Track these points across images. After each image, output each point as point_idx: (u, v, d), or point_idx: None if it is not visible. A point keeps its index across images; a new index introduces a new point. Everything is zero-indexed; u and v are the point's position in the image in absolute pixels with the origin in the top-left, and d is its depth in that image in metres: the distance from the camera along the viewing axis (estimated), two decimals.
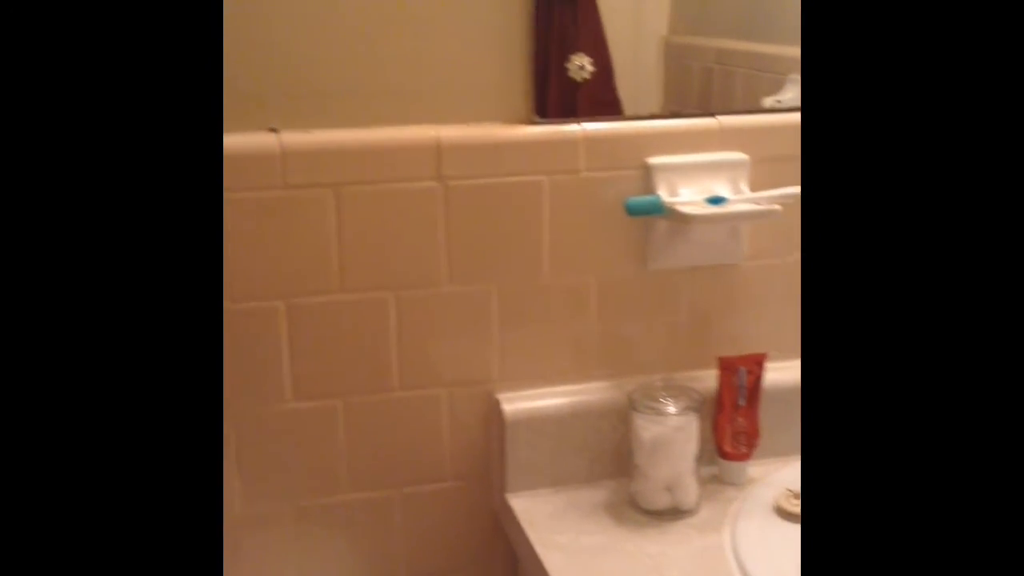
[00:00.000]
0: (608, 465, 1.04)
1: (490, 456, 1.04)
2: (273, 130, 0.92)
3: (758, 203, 0.98)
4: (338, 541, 1.03)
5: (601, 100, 1.00)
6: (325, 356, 0.97)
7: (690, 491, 0.98)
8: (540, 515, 0.98)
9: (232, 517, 0.99)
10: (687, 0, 1.08)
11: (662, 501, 0.98)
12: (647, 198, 0.98)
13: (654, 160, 0.99)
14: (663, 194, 0.99)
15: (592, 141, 0.98)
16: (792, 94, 1.05)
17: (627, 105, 1.01)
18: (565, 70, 0.98)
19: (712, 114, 1.01)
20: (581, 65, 0.97)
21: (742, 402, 1.03)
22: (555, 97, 0.98)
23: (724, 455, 1.03)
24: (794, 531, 0.90)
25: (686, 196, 0.99)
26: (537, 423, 1.01)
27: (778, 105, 1.05)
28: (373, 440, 1.01)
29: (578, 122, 0.98)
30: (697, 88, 1.08)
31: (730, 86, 1.07)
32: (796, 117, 1.00)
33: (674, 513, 0.97)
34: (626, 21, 1.02)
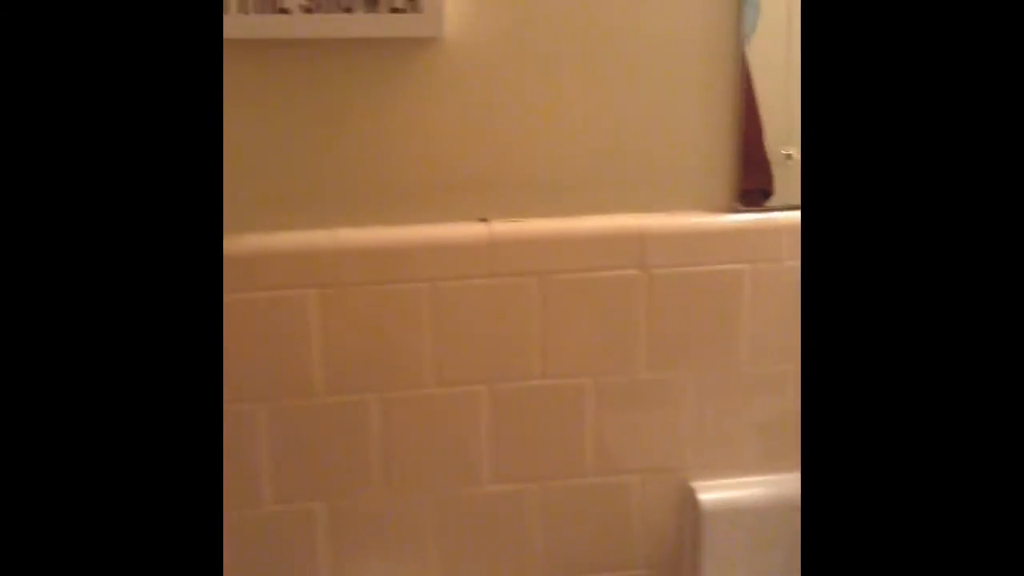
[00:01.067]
0: None
1: (683, 546, 1.02)
2: (483, 220, 0.94)
3: None
4: None
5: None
6: (523, 440, 0.98)
7: None
8: None
9: None
10: None
11: None
12: None
13: None
14: None
15: (795, 229, 0.97)
16: None
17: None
18: (766, 154, 0.97)
19: None
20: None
21: None
22: (756, 184, 0.97)
23: None
24: None
25: None
26: (733, 514, 0.99)
27: None
28: (566, 525, 1.01)
29: (780, 210, 0.97)
30: None
31: None
32: None
33: None
34: (776, 80, 0.98)
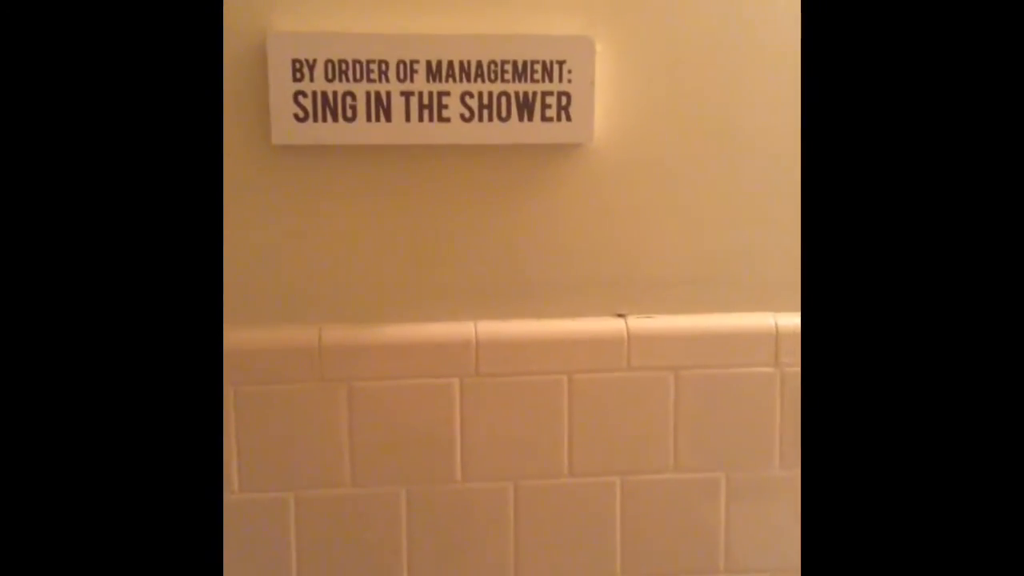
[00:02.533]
0: None
1: None
2: (620, 315, 0.97)
3: None
4: None
5: None
6: (655, 533, 0.99)
7: None
8: None
9: None
10: None
11: None
12: None
13: None
14: None
15: None
16: None
17: None
18: None
19: None
20: None
21: None
22: None
23: None
24: None
25: None
26: None
27: None
28: None
29: None
30: None
31: None
32: None
33: None
34: None
